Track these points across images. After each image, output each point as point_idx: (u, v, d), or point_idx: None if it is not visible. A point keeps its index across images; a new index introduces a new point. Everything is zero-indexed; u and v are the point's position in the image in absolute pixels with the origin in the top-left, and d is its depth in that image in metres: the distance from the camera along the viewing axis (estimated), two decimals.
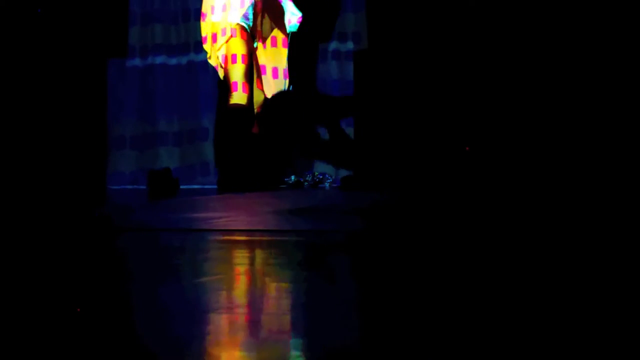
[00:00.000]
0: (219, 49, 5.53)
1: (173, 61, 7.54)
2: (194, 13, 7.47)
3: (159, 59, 7.53)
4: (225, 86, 5.72)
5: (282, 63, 5.54)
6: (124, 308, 2.57)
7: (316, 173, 6.52)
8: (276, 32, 5.64)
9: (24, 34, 4.40)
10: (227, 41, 5.49)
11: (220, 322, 2.39)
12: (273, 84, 5.57)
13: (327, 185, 6.41)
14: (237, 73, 5.41)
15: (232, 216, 4.83)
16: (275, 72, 5.51)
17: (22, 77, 4.38)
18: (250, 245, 4.04)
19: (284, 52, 5.51)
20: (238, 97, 5.39)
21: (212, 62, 5.73)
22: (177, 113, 7.49)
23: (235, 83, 5.39)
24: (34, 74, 4.42)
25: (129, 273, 3.27)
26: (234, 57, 5.42)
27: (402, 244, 3.83)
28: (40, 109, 4.43)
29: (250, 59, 5.48)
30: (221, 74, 5.63)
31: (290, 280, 3.06)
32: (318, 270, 3.24)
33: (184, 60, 7.51)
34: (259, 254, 3.86)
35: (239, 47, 5.44)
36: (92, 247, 3.85)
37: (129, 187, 7.35)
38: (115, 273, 3.21)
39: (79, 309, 2.44)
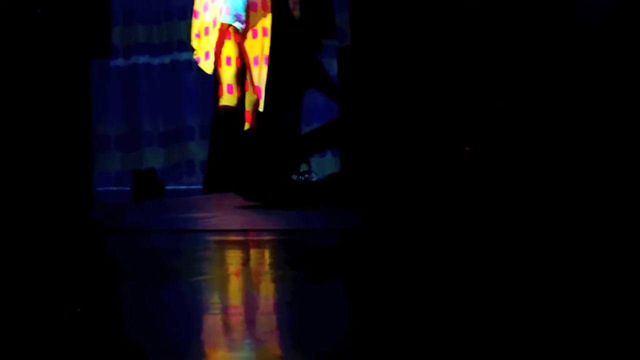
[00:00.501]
0: (213, 46, 5.48)
1: (156, 61, 7.51)
2: (177, 12, 7.44)
3: (142, 59, 7.50)
4: (216, 87, 5.68)
5: (265, 51, 5.51)
6: (112, 310, 2.56)
7: (302, 170, 6.49)
8: (260, 23, 5.61)
9: (6, 36, 4.37)
10: (218, 42, 5.46)
11: (208, 322, 2.38)
12: (256, 71, 5.54)
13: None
14: (228, 75, 5.40)
15: (219, 216, 4.81)
16: (256, 59, 5.49)
17: (4, 79, 4.35)
18: (239, 245, 4.02)
19: (267, 40, 5.49)
20: (227, 99, 5.37)
21: (196, 54, 5.68)
22: (161, 112, 7.46)
23: (230, 85, 5.37)
24: (17, 76, 4.39)
25: (117, 275, 3.24)
26: (228, 59, 5.40)
27: (395, 244, 3.82)
28: (25, 111, 4.40)
29: (242, 61, 5.46)
30: (206, 68, 5.58)
31: (280, 279, 3.04)
32: (308, 270, 3.22)
33: (167, 59, 7.48)
34: (248, 254, 3.84)
35: (231, 49, 5.42)
36: (79, 249, 3.83)
37: (114, 188, 7.32)
38: (103, 276, 3.19)
39: (78, 309, 2.42)
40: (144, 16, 7.50)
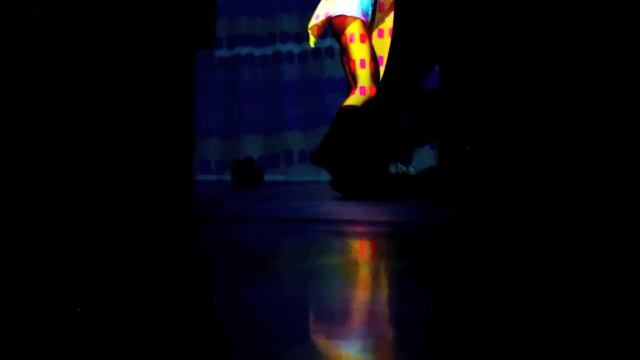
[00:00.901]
0: (316, 31, 5.50)
1: (259, 52, 7.59)
2: (280, 3, 7.51)
3: (245, 50, 7.58)
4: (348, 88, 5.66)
5: (386, 51, 5.48)
6: (210, 299, 2.59)
7: (399, 164, 6.49)
8: (384, 24, 5.59)
9: (118, 27, 4.48)
10: (318, 27, 5.46)
11: (312, 312, 2.39)
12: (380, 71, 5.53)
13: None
14: (364, 78, 5.36)
15: (317, 206, 4.85)
16: (381, 59, 5.47)
17: (119, 69, 4.46)
18: (340, 236, 4.04)
19: (389, 40, 5.47)
20: (357, 99, 5.36)
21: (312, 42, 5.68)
22: (262, 103, 7.54)
23: (363, 88, 5.36)
24: (130, 66, 4.49)
25: (219, 263, 3.28)
26: (362, 62, 5.37)
27: (492, 236, 3.80)
28: (136, 100, 4.51)
29: (375, 61, 5.45)
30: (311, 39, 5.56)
31: (381, 271, 3.06)
32: (408, 262, 3.23)
33: (269, 50, 7.55)
34: (345, 244, 3.85)
35: (365, 51, 5.39)
36: (180, 234, 3.89)
37: (214, 177, 7.42)
38: (206, 262, 3.24)
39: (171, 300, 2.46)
40: (248, 8, 7.58)
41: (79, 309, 2.28)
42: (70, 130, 4.41)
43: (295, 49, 7.47)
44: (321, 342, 2.09)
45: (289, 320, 2.25)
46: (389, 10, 5.53)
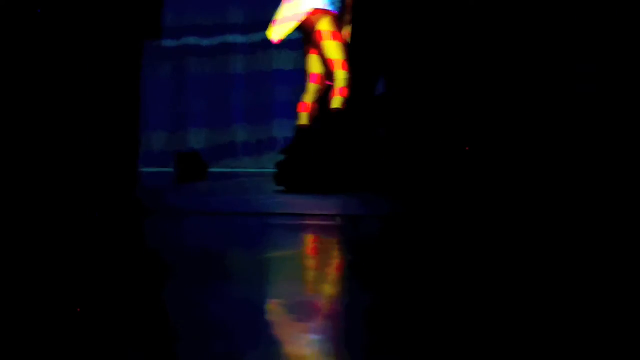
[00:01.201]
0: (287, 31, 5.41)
1: (206, 42, 7.54)
2: None
3: (192, 40, 7.53)
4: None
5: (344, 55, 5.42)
6: (157, 298, 2.57)
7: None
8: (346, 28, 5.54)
9: (65, 16, 4.42)
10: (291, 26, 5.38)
11: (264, 307, 2.39)
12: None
13: None
14: (345, 78, 5.30)
15: (266, 199, 4.85)
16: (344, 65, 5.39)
17: (63, 58, 4.40)
18: (291, 230, 4.03)
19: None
20: (339, 101, 5.30)
21: (276, 37, 5.54)
22: (208, 94, 7.50)
23: (344, 89, 5.30)
24: (72, 55, 4.44)
25: (170, 260, 3.26)
26: (342, 63, 5.30)
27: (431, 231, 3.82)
28: (78, 90, 4.45)
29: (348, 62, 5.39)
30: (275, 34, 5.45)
31: (327, 264, 3.06)
32: (356, 255, 3.24)
33: (216, 41, 7.51)
34: (294, 237, 3.85)
35: (343, 51, 5.33)
36: (125, 230, 3.86)
37: (157, 169, 7.35)
38: (153, 259, 3.22)
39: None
40: None
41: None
42: (17, 121, 4.35)
43: (243, 40, 7.43)
44: (273, 339, 2.08)
45: (243, 319, 2.24)
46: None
